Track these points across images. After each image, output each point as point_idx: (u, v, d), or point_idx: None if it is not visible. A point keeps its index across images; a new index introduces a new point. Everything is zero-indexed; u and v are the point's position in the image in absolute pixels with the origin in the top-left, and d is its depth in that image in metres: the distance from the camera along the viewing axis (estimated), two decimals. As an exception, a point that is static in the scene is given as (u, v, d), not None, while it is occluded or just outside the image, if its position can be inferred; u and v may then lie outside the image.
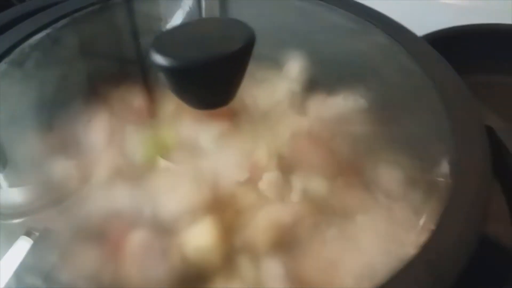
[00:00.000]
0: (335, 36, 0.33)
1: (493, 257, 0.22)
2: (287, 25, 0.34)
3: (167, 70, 0.22)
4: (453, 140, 0.24)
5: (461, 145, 0.24)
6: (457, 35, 0.53)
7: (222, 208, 0.25)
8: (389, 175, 0.26)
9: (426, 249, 0.18)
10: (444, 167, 0.23)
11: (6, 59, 0.29)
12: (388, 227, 0.24)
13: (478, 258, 0.20)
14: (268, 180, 0.26)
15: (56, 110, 0.28)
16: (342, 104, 0.30)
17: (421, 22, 0.49)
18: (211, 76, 0.23)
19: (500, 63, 0.54)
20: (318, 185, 0.26)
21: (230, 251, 0.23)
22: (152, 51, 0.22)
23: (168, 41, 0.22)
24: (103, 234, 0.23)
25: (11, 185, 0.25)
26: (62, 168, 0.26)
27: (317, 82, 0.31)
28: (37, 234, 0.21)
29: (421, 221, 0.21)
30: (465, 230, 0.19)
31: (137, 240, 0.23)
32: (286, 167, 0.26)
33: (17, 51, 0.29)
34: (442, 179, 0.23)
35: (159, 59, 0.22)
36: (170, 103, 0.29)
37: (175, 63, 0.22)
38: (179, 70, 0.22)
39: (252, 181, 0.25)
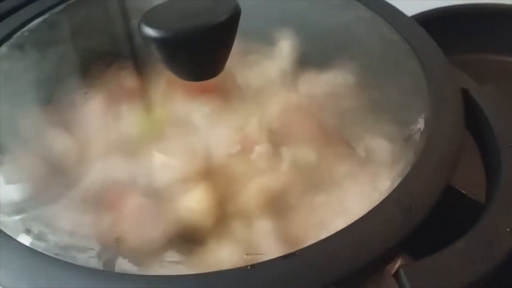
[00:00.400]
0: (322, 13, 0.35)
1: (462, 207, 0.23)
2: (274, 3, 0.35)
3: (156, 41, 0.23)
4: (430, 100, 0.26)
5: (437, 104, 0.25)
6: (450, 14, 0.55)
7: (216, 177, 0.26)
8: (374, 139, 0.28)
9: (398, 190, 0.20)
10: (421, 123, 0.25)
11: (7, 43, 0.30)
12: (372, 186, 0.25)
13: (450, 207, 0.21)
14: (259, 152, 0.27)
15: (54, 92, 0.30)
16: (330, 80, 0.32)
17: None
18: (199, 46, 0.24)
19: (490, 42, 0.55)
20: (306, 155, 0.27)
21: (223, 215, 0.25)
22: (142, 25, 0.24)
23: (156, 15, 0.24)
24: (104, 201, 0.25)
25: (9, 181, 0.26)
26: (61, 146, 0.27)
27: (307, 58, 0.32)
28: (35, 232, 0.22)
29: (399, 171, 0.23)
30: (435, 175, 0.21)
31: (135, 204, 0.25)
32: (277, 140, 0.28)
33: (17, 35, 0.31)
34: (419, 134, 0.24)
35: (149, 31, 0.23)
36: (165, 81, 0.30)
37: (164, 34, 0.23)
38: (167, 40, 0.23)
39: (244, 153, 0.27)
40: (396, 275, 0.18)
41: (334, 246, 0.18)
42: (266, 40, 0.33)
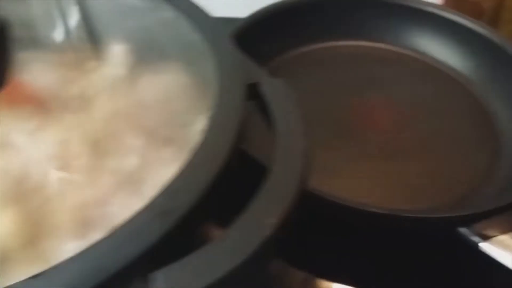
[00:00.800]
0: (140, 17, 0.35)
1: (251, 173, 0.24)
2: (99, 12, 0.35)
3: None
4: (218, 97, 0.26)
5: (222, 100, 0.26)
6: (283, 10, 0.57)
7: (29, 197, 0.25)
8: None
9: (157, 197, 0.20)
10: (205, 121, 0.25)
11: None
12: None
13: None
14: (78, 165, 0.27)
15: None
16: (148, 83, 0.32)
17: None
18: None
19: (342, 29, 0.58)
20: (128, 162, 0.27)
21: (35, 237, 0.24)
22: None
23: None
24: None
25: None
26: None
27: (131, 64, 0.33)
28: None
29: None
30: (202, 169, 0.22)
31: None
32: (99, 151, 0.27)
33: None
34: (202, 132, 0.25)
35: None
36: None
37: None
38: None
39: (63, 168, 0.26)
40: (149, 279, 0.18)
41: (84, 259, 0.18)
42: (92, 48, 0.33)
